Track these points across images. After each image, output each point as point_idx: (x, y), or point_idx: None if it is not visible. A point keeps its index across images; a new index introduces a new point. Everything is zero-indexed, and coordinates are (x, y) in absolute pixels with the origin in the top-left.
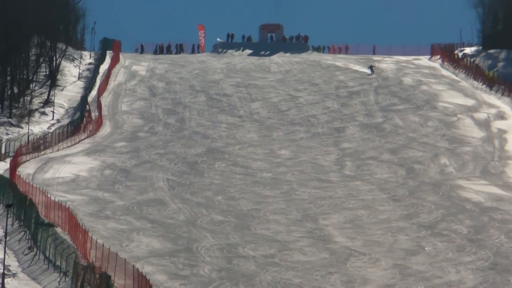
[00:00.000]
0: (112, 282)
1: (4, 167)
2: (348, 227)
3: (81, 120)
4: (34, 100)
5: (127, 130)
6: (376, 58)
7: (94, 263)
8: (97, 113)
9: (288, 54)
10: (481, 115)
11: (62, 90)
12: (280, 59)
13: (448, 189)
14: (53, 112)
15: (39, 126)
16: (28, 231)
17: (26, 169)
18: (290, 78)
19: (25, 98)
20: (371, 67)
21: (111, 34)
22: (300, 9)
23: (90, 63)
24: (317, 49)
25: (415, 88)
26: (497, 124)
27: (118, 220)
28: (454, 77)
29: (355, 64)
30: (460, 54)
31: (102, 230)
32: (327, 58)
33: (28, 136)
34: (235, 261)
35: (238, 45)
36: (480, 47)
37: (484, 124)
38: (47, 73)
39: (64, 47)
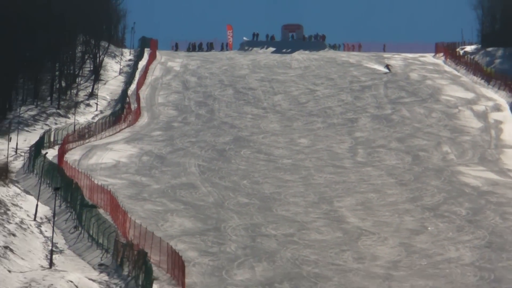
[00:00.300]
0: (149, 258)
1: (53, 154)
2: (359, 209)
3: (121, 111)
4: (79, 93)
5: (162, 120)
6: (386, 55)
7: (133, 241)
8: (136, 105)
9: (307, 52)
10: (479, 107)
11: (104, 84)
12: (300, 56)
13: (449, 175)
14: (96, 104)
15: (84, 117)
16: (73, 212)
17: (73, 156)
18: (309, 73)
19: (72, 91)
20: (387, 66)
21: (149, 33)
22: (318, 10)
23: (130, 60)
24: (333, 47)
25: (421, 83)
26: (494, 116)
27: (154, 202)
28: (455, 72)
29: (368, 61)
30: (461, 52)
31: (140, 211)
32: (342, 55)
33: (74, 126)
34: (258, 240)
35: (262, 43)
36: (479, 46)
37: (482, 116)
38: (91, 68)
39: (106, 45)
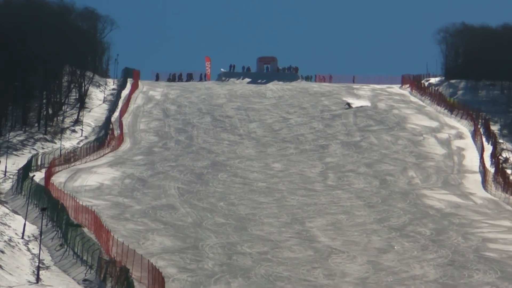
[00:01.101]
0: (130, 274)
1: (40, 176)
2: (330, 229)
3: (105, 137)
4: (65, 119)
5: (144, 145)
6: (355, 86)
7: (115, 258)
8: (119, 131)
9: (281, 83)
10: (443, 135)
11: (89, 111)
12: (274, 86)
13: (415, 197)
14: (81, 130)
15: (69, 142)
16: (59, 231)
17: (59, 178)
18: (283, 103)
19: (58, 118)
20: (348, 104)
21: (131, 64)
22: (291, 43)
23: (113, 89)
24: (306, 78)
25: (388, 112)
26: (456, 143)
27: (136, 222)
28: (421, 102)
29: (338, 92)
30: (426, 83)
31: (122, 230)
32: (314, 86)
33: (61, 150)
34: (234, 257)
35: (238, 74)
36: (443, 78)
37: (446, 143)
38: (77, 97)
39: (91, 75)
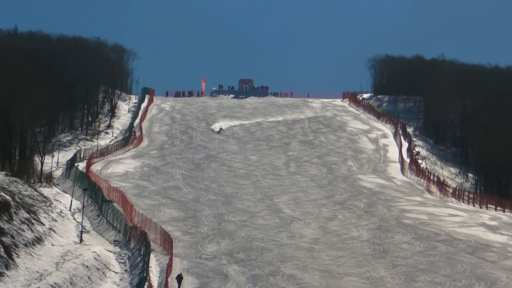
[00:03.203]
0: (148, 236)
1: (82, 166)
2: (291, 203)
3: (129, 137)
4: (101, 124)
5: (157, 143)
6: (309, 99)
7: (137, 225)
8: (139, 133)
9: (256, 97)
10: (372, 135)
11: (118, 118)
12: (251, 100)
13: (352, 180)
14: (112, 132)
15: (103, 141)
16: (96, 205)
17: (96, 167)
18: (257, 112)
19: (95, 123)
20: (220, 129)
21: (148, 84)
22: (263, 69)
23: (135, 102)
24: (274, 94)
25: (333, 118)
26: (382, 141)
27: (151, 198)
28: (356, 112)
29: (297, 104)
30: (360, 98)
31: (141, 204)
32: (280, 100)
33: (97, 147)
34: (222, 224)
35: (225, 91)
36: (372, 94)
37: (374, 141)
38: (109, 108)
39: (119, 92)
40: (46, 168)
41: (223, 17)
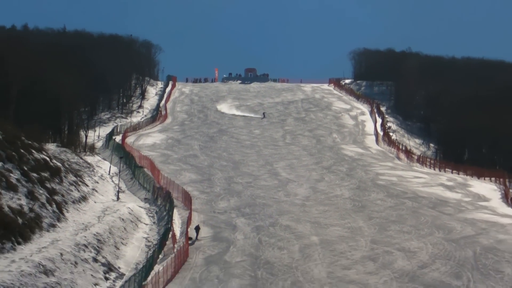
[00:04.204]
0: (172, 195)
1: (118, 138)
2: (287, 168)
3: (156, 115)
4: (133, 105)
5: (179, 120)
6: (302, 85)
7: (163, 186)
8: (164, 112)
9: (259, 83)
10: (353, 113)
11: (147, 100)
12: (255, 85)
13: (337, 150)
14: (142, 111)
15: (136, 118)
16: (130, 170)
17: (129, 139)
18: (260, 94)
19: (129, 104)
20: (264, 114)
21: (172, 72)
22: (265, 59)
23: (161, 87)
24: (273, 80)
25: (321, 100)
26: (361, 117)
27: (174, 165)
28: (340, 94)
29: (292, 88)
30: (343, 83)
31: (166, 169)
32: (278, 85)
33: (131, 123)
34: (232, 185)
35: (234, 78)
36: (353, 80)
37: (354, 118)
38: (140, 92)
39: (148, 79)
40: (89, 140)
41: (233, 19)
